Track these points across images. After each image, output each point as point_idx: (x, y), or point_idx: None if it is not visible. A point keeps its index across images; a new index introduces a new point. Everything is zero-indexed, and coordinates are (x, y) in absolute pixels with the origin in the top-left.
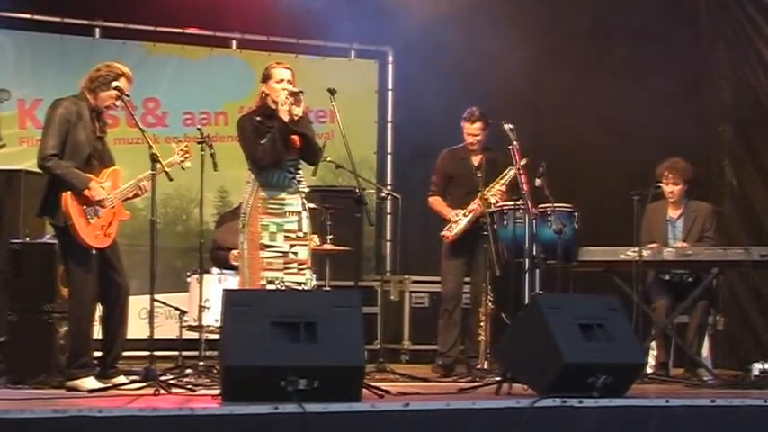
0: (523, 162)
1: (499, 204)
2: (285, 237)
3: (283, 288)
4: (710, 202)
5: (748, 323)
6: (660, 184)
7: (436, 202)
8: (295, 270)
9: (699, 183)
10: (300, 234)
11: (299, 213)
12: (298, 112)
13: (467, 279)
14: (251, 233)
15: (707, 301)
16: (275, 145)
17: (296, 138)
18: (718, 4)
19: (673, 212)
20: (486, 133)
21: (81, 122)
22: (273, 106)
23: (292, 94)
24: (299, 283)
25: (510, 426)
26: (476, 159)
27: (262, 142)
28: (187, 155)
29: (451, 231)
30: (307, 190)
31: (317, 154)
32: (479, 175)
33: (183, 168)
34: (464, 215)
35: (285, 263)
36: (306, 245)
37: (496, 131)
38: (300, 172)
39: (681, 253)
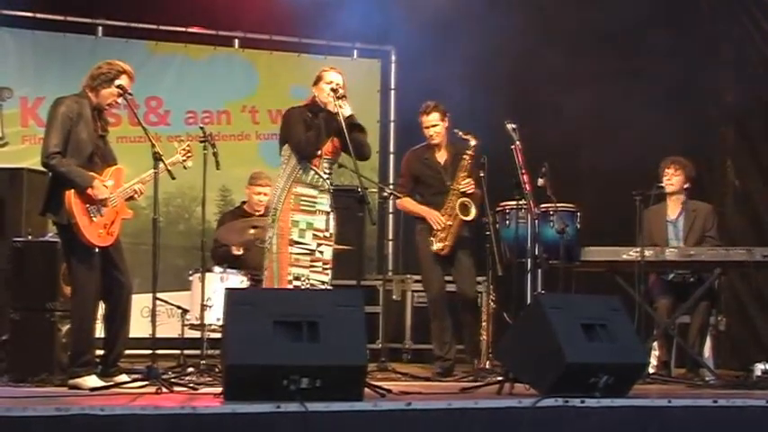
0: (481, 162)
1: (502, 204)
2: (314, 235)
3: (308, 286)
4: (713, 203)
5: (750, 323)
6: (661, 184)
7: (407, 202)
8: (320, 269)
9: (701, 183)
10: (327, 234)
11: (327, 213)
12: (345, 112)
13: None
14: (281, 228)
15: (709, 301)
16: (320, 135)
17: (336, 140)
18: (720, 4)
19: (672, 213)
20: (446, 126)
21: (83, 121)
22: (321, 106)
23: (334, 90)
24: (323, 282)
25: (512, 426)
26: (440, 156)
27: (308, 133)
28: (189, 154)
29: (445, 241)
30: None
31: (365, 148)
32: (464, 164)
33: (185, 167)
34: (445, 223)
35: (312, 261)
36: (331, 245)
37: (498, 131)
38: (332, 174)
39: (683, 253)
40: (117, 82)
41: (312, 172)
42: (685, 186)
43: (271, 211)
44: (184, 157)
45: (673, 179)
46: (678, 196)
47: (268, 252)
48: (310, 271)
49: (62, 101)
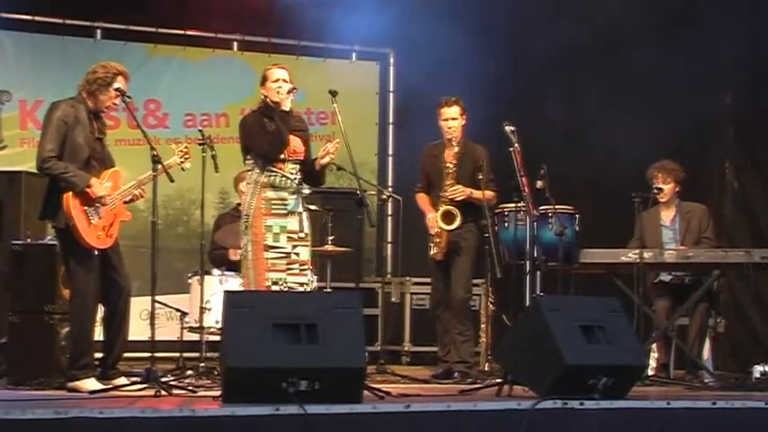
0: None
1: (500, 206)
2: (288, 237)
3: (286, 289)
4: (711, 204)
5: (749, 325)
6: (660, 186)
7: (420, 199)
8: (297, 271)
9: (699, 184)
10: (302, 234)
11: (299, 214)
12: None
13: None
14: (255, 234)
15: (707, 303)
16: (281, 135)
17: (298, 140)
18: (720, 4)
19: (666, 216)
20: (463, 124)
21: (79, 125)
22: (273, 106)
23: (290, 91)
24: (302, 284)
25: (511, 428)
26: (450, 156)
27: (268, 137)
28: (187, 155)
29: (438, 246)
30: (307, 191)
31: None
32: (449, 170)
33: (183, 169)
34: (438, 228)
35: (288, 264)
36: (307, 245)
37: (497, 133)
38: (300, 174)
39: (682, 255)
40: (115, 85)
41: (279, 175)
42: (676, 190)
43: (243, 218)
44: (182, 159)
45: (664, 187)
46: (671, 201)
47: (244, 260)
48: (287, 274)
49: (58, 105)
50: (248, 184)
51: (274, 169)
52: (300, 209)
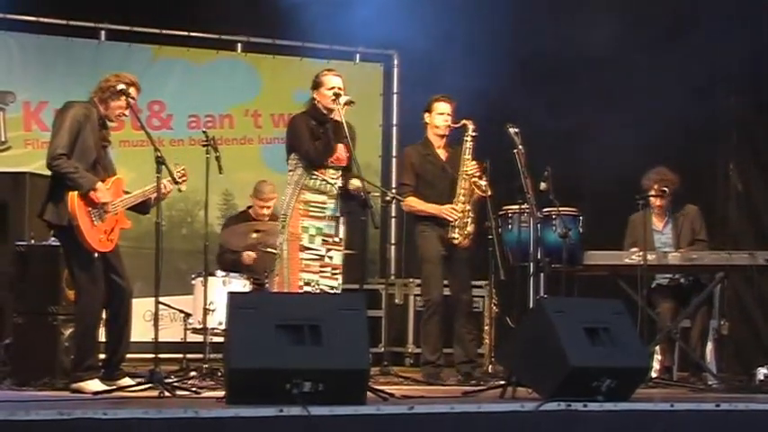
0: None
1: (504, 208)
2: (323, 240)
3: (318, 291)
4: (716, 207)
5: (753, 327)
6: (665, 189)
7: (414, 201)
8: (329, 274)
9: (703, 187)
10: (336, 239)
11: (336, 219)
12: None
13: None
14: (291, 234)
15: (709, 305)
16: (329, 144)
17: (342, 148)
18: (721, 5)
19: (658, 222)
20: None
21: (90, 128)
22: (325, 112)
23: (348, 103)
24: (332, 287)
25: (514, 430)
26: (441, 154)
27: (316, 143)
28: (184, 178)
29: (463, 234)
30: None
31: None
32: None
33: (179, 191)
34: (462, 211)
35: (321, 266)
36: (340, 250)
37: (501, 135)
38: (340, 180)
39: (686, 257)
40: (121, 88)
41: (320, 179)
42: (671, 200)
43: (281, 218)
44: (180, 181)
45: (661, 201)
46: (665, 207)
47: (279, 257)
48: (320, 276)
49: (72, 104)
50: (288, 184)
51: (316, 173)
52: (338, 213)
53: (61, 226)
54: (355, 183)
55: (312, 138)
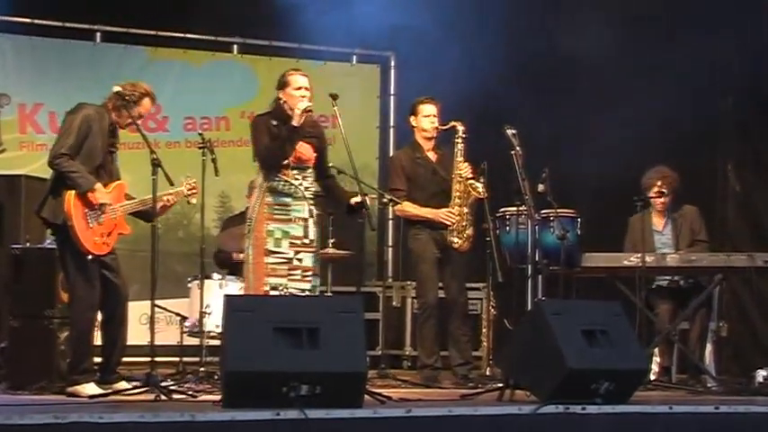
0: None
1: (502, 210)
2: (290, 243)
3: (287, 294)
4: (714, 208)
5: (752, 329)
6: (663, 190)
7: (407, 206)
8: (299, 277)
9: (702, 187)
10: (306, 241)
11: (305, 220)
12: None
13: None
14: (256, 238)
15: (708, 307)
16: (283, 147)
17: (306, 147)
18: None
19: (658, 222)
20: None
21: (100, 131)
22: (290, 113)
23: (307, 111)
24: (303, 290)
25: None
26: (432, 156)
27: (269, 143)
28: (194, 191)
29: (462, 237)
30: (312, 197)
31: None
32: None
33: (189, 203)
34: (459, 214)
35: (289, 269)
36: (312, 252)
37: (498, 137)
38: (308, 179)
39: (685, 259)
40: (141, 102)
41: (282, 180)
42: (672, 199)
43: (247, 222)
44: (189, 193)
45: (663, 199)
46: (665, 207)
47: (245, 263)
48: (288, 279)
49: (84, 106)
50: (254, 188)
51: (279, 175)
52: (306, 215)
53: (56, 224)
54: (356, 199)
55: (270, 137)
